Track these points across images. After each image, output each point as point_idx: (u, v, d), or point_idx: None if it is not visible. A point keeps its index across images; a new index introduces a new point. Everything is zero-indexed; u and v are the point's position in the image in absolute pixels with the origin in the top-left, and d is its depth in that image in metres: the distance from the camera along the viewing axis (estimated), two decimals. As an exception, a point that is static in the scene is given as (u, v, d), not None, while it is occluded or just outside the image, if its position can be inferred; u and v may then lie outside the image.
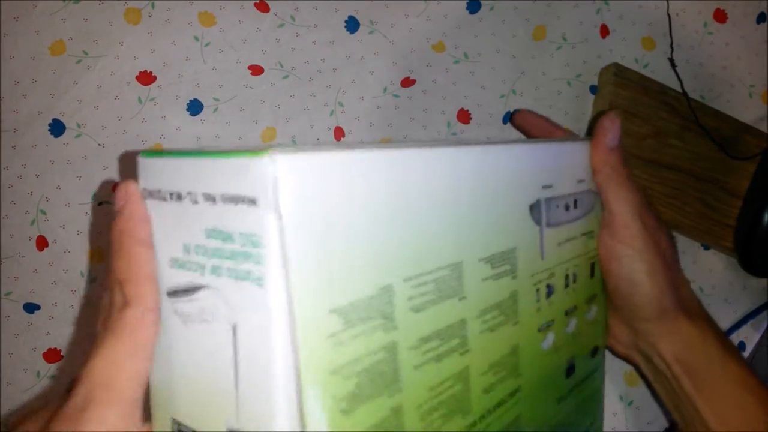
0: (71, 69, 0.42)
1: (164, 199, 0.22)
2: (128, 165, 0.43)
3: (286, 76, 0.44)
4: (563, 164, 0.31)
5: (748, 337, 0.48)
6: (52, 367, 0.42)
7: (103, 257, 0.43)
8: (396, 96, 0.45)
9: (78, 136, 0.42)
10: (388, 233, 0.21)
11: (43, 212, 0.42)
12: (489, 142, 0.27)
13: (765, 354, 0.48)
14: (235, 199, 0.19)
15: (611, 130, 0.34)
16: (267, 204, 0.18)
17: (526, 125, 0.42)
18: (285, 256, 0.18)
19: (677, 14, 0.48)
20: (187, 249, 0.21)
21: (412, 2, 0.45)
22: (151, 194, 0.22)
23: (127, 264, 0.22)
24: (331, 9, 0.45)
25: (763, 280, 0.48)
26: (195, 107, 0.43)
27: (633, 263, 0.33)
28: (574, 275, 0.32)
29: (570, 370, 0.33)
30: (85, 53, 0.42)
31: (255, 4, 0.44)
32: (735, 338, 0.48)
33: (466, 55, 0.46)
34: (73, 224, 0.42)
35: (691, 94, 0.46)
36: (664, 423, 0.46)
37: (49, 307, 0.42)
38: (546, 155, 0.30)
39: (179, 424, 0.22)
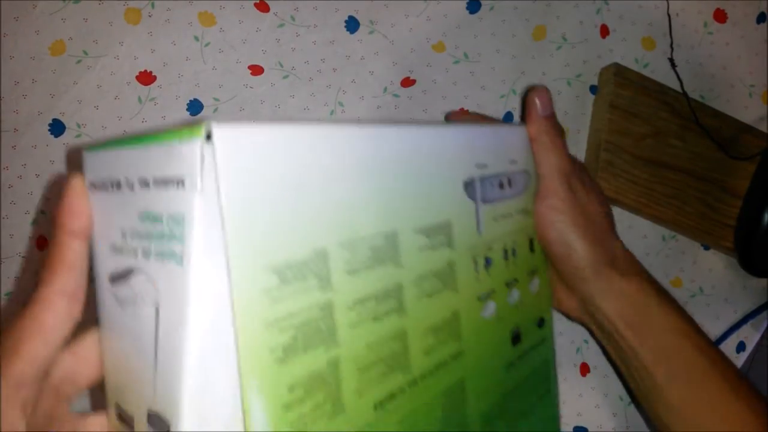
0: (71, 69, 0.42)
1: (107, 189, 0.23)
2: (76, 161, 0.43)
3: (286, 76, 0.44)
4: (496, 145, 0.34)
5: (748, 337, 0.48)
6: (52, 367, 0.42)
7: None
8: (396, 96, 0.45)
9: (78, 136, 0.42)
10: (320, 200, 0.23)
11: (43, 212, 0.42)
12: (424, 122, 0.30)
13: (765, 354, 0.48)
14: (166, 182, 0.20)
15: (541, 100, 0.36)
16: (192, 183, 0.19)
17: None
18: (208, 230, 0.19)
19: (677, 14, 0.48)
20: (124, 234, 0.22)
21: (412, 2, 0.45)
22: (95, 186, 0.23)
23: (51, 253, 0.23)
24: (331, 9, 0.45)
25: (763, 280, 0.48)
26: (195, 107, 0.43)
27: (564, 227, 0.35)
28: (513, 250, 0.35)
29: (516, 338, 0.35)
30: (85, 53, 0.42)
31: (255, 4, 0.44)
32: (735, 338, 0.48)
33: (466, 55, 0.46)
34: (73, 224, 0.42)
35: (691, 94, 0.46)
36: (664, 423, 0.46)
37: (49, 307, 0.42)
38: (479, 137, 0.33)
39: (120, 407, 0.23)
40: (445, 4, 0.46)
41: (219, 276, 0.19)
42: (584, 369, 0.46)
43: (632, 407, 0.46)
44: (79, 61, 0.42)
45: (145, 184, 0.21)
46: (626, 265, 0.36)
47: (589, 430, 0.46)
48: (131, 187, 0.21)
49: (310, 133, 0.23)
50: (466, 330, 0.30)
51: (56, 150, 0.42)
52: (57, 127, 0.42)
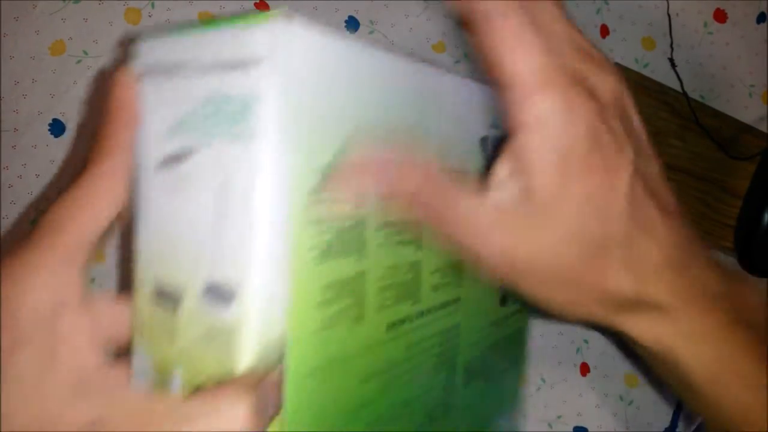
0: (71, 69, 0.42)
1: (162, 74, 0.23)
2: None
3: (286, 76, 0.44)
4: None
5: (748, 337, 0.48)
6: (52, 367, 0.42)
7: (103, 257, 0.43)
8: (396, 96, 0.45)
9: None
10: (363, 115, 0.23)
11: (44, 212, 0.42)
12: (456, 72, 0.31)
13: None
14: (240, 63, 0.20)
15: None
16: (271, 64, 0.20)
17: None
18: (279, 114, 0.20)
19: (677, 14, 0.48)
20: (182, 118, 0.22)
21: (412, 2, 0.45)
22: (149, 73, 0.23)
23: (98, 140, 0.23)
24: (331, 9, 0.45)
25: (763, 280, 0.48)
26: (195, 107, 0.43)
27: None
28: None
29: (503, 300, 0.36)
30: (85, 53, 0.42)
31: (255, 4, 0.44)
32: (735, 338, 0.48)
33: (466, 55, 0.46)
34: (73, 224, 0.42)
35: (691, 94, 0.46)
36: (664, 423, 0.46)
37: (49, 307, 0.42)
38: (495, 98, 0.33)
39: (161, 284, 0.23)
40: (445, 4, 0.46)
41: (285, 158, 0.20)
42: (584, 369, 0.46)
43: (632, 407, 0.46)
44: (79, 61, 0.42)
45: (213, 66, 0.21)
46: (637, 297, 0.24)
47: (589, 430, 0.46)
48: (195, 70, 0.21)
49: (371, 54, 0.24)
50: (466, 279, 0.31)
51: (56, 150, 0.42)
52: (57, 127, 0.42)
